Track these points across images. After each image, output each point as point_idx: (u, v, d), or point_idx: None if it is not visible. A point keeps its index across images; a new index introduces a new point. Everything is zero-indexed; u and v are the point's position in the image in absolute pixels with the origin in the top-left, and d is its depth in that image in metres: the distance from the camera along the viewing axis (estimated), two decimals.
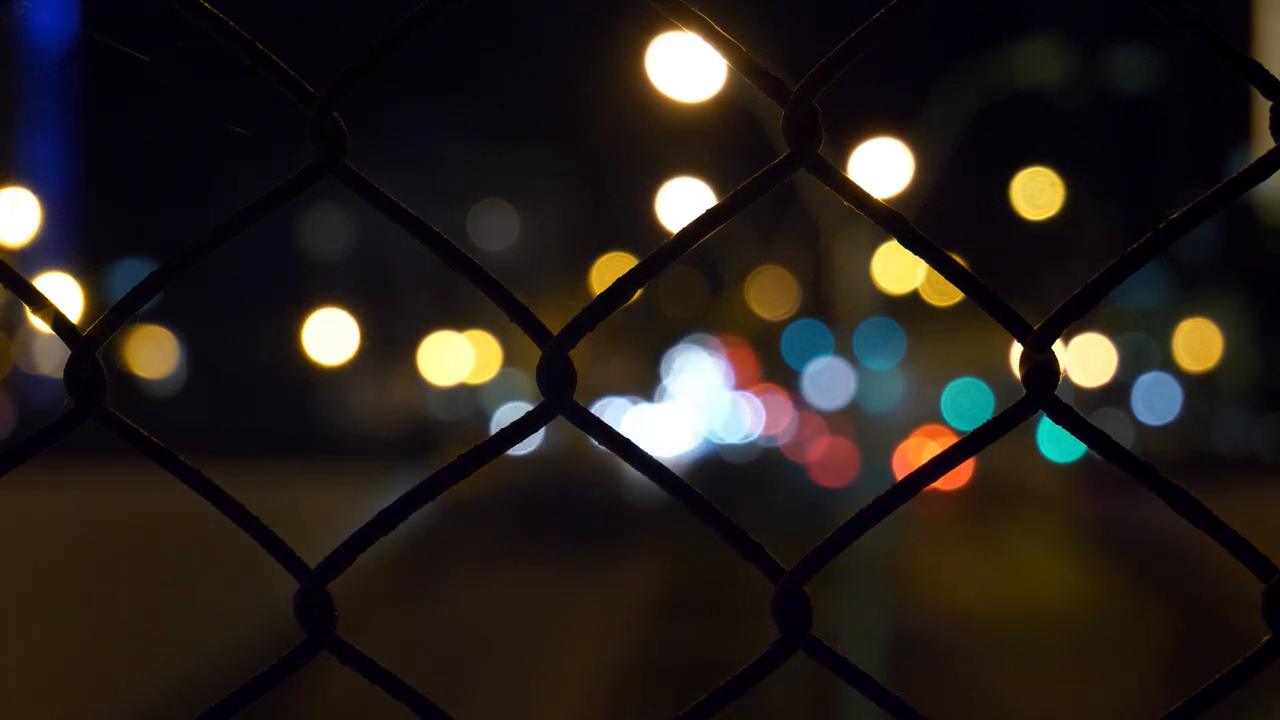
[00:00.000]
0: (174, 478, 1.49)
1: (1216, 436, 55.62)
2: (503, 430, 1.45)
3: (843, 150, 17.13)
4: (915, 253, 1.43)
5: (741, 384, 62.86)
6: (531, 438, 1.45)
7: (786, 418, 59.21)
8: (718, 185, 21.03)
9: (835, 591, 16.87)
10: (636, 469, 1.44)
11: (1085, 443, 1.44)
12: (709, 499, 1.44)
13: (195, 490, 1.48)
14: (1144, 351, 58.23)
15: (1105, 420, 49.27)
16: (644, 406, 60.89)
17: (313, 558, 1.49)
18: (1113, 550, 33.18)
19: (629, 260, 30.13)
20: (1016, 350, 1.45)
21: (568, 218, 66.19)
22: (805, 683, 16.76)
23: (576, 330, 1.45)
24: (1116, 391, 55.70)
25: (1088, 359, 52.36)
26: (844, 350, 19.66)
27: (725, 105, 16.43)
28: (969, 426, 1.48)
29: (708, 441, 61.70)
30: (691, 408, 63.18)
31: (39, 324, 1.54)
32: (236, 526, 1.50)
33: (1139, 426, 55.10)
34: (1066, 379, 1.49)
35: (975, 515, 36.81)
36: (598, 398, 55.09)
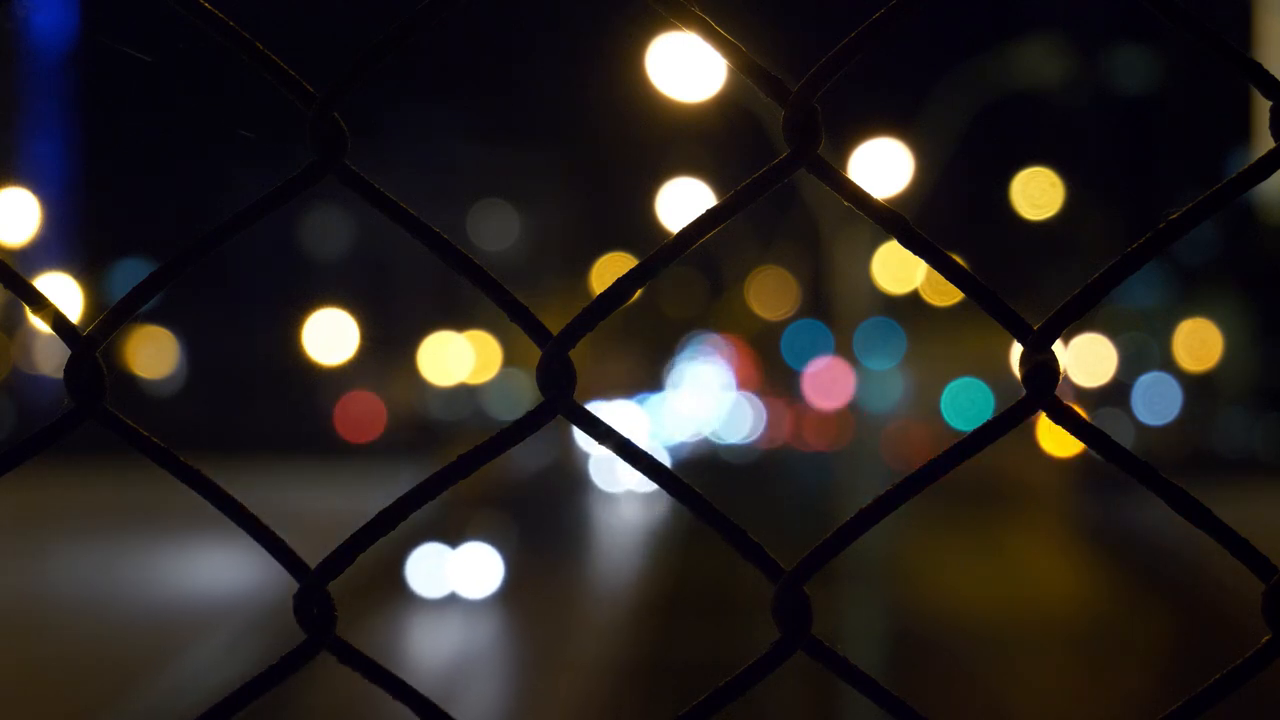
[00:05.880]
0: (174, 478, 1.49)
1: (1216, 436, 55.60)
2: (503, 430, 1.45)
3: (843, 150, 17.11)
4: (915, 253, 1.43)
5: (742, 384, 62.87)
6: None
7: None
8: (718, 185, 21.00)
9: (835, 591, 16.85)
10: (637, 469, 1.44)
11: (1085, 443, 1.43)
12: (709, 499, 1.44)
13: (195, 490, 1.48)
14: (1144, 351, 58.21)
15: (1105, 420, 49.26)
16: (644, 406, 60.88)
17: (312, 558, 1.49)
18: (1113, 550, 33.16)
19: (629, 260, 30.12)
20: (1016, 350, 1.45)
21: (568, 218, 66.19)
22: (805, 683, 16.76)
23: (576, 330, 1.44)
24: (1116, 391, 55.68)
25: (1088, 359, 52.35)
26: (844, 350, 19.60)
27: (725, 105, 16.41)
28: (969, 426, 1.47)
29: (707, 441, 61.73)
30: (691, 407, 63.17)
31: (39, 324, 1.53)
32: (236, 525, 1.50)
33: (1139, 426, 55.08)
34: (1066, 379, 1.49)
35: (975, 514, 36.79)
36: (601, 400, 55.05)
